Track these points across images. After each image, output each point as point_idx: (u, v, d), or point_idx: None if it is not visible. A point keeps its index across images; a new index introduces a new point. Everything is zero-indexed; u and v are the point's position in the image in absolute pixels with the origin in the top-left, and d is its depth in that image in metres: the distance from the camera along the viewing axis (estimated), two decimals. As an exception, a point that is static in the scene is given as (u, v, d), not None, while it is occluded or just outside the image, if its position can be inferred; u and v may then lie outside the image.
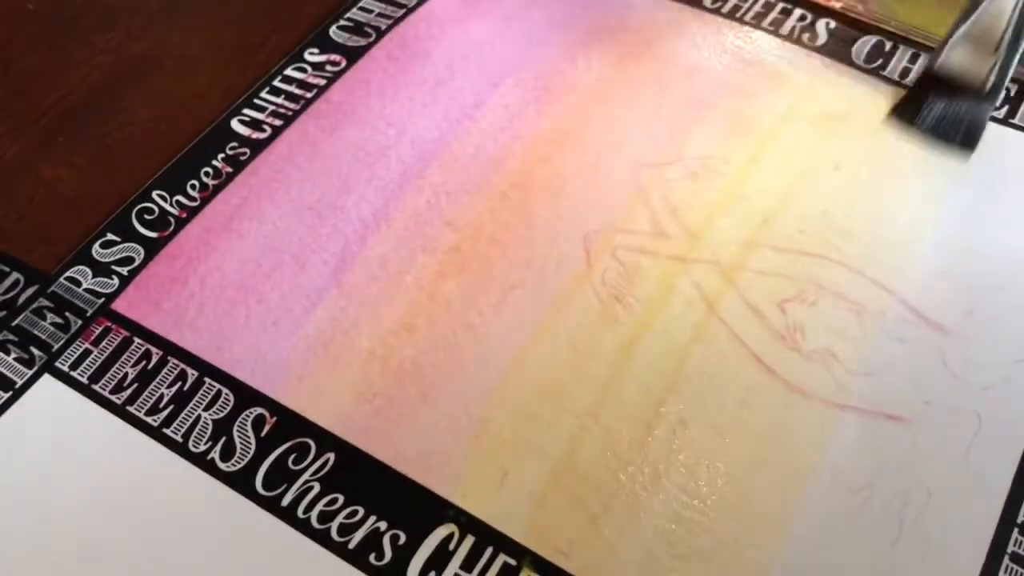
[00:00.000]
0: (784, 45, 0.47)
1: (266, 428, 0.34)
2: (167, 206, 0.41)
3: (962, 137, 0.42)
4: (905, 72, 0.45)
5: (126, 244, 0.40)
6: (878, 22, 0.47)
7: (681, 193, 0.41)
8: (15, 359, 0.36)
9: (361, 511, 0.32)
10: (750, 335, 0.36)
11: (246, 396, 0.35)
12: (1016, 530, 0.31)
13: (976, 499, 0.32)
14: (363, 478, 0.33)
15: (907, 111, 0.43)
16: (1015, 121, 0.43)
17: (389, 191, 0.41)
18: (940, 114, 0.42)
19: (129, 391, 0.35)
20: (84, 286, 0.39)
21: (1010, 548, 0.31)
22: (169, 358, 0.36)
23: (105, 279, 0.39)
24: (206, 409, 0.35)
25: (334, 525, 0.32)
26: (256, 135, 0.44)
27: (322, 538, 0.32)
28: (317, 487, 0.33)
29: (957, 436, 0.34)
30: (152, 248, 0.40)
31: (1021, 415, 0.34)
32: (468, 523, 0.32)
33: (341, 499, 0.33)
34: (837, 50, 0.47)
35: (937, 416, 0.34)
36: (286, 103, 0.45)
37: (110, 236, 0.40)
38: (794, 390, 0.35)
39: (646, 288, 0.38)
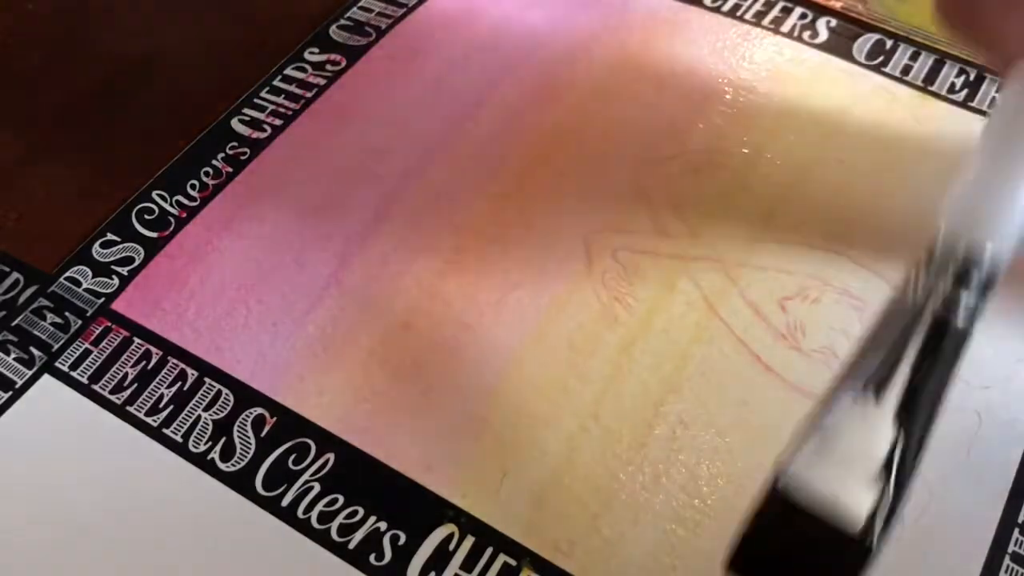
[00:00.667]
0: (785, 42, 0.47)
1: (266, 428, 0.34)
2: (167, 206, 0.41)
3: None
4: (907, 69, 0.45)
5: (126, 244, 0.40)
6: (878, 22, 0.47)
7: (684, 188, 0.41)
8: (15, 359, 0.36)
9: (361, 511, 0.32)
10: (751, 335, 0.36)
11: (246, 396, 0.35)
12: (1017, 530, 0.31)
13: (977, 499, 0.32)
14: (363, 478, 0.33)
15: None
16: (1017, 119, 0.43)
17: (389, 191, 0.41)
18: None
19: (129, 391, 0.35)
20: (84, 286, 0.39)
21: (1011, 548, 0.31)
22: (169, 358, 0.36)
23: (105, 279, 0.39)
24: (206, 409, 0.35)
25: (334, 525, 0.32)
26: (256, 135, 0.44)
27: (322, 538, 0.32)
28: (317, 487, 0.33)
29: (957, 435, 0.33)
30: (152, 248, 0.40)
31: (1022, 415, 0.34)
32: (468, 523, 0.32)
33: (341, 499, 0.33)
34: (838, 47, 0.47)
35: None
36: (286, 103, 0.45)
37: (110, 236, 0.40)
38: (795, 389, 0.35)
39: (646, 288, 0.38)
